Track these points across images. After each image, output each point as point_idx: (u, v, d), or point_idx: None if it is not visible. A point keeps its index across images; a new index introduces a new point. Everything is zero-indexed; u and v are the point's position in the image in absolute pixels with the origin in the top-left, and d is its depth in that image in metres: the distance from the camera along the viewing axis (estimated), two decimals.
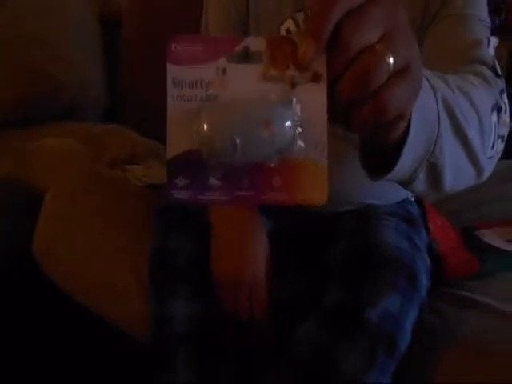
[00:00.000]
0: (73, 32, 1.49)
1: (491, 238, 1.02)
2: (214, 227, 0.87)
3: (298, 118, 0.42)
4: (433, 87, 0.54)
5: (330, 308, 0.77)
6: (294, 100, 0.42)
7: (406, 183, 0.56)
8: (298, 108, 0.42)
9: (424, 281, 0.82)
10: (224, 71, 0.42)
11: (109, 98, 1.53)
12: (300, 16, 0.91)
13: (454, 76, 0.63)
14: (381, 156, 0.51)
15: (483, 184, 0.70)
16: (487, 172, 0.67)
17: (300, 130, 0.42)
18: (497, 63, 0.78)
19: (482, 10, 0.82)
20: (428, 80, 0.53)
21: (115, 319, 0.96)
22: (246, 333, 0.85)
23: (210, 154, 0.41)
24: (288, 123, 0.41)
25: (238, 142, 0.40)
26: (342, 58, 0.40)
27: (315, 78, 0.41)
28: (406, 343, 0.78)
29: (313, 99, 0.42)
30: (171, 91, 0.42)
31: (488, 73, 0.74)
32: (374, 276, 0.77)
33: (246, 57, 0.43)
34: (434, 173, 0.56)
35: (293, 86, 0.42)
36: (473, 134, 0.60)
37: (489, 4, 0.99)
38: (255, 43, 0.42)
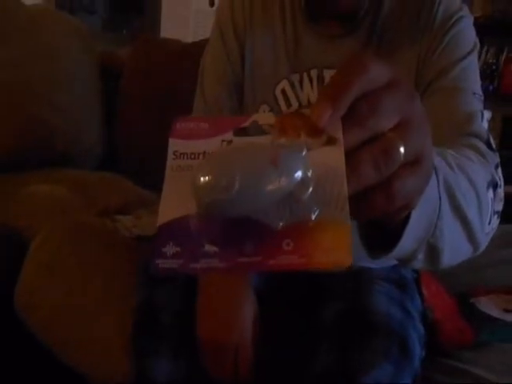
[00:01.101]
0: (71, 80, 1.50)
1: (487, 306, 1.00)
2: (201, 286, 0.84)
3: (311, 168, 0.37)
4: (435, 168, 0.53)
5: (319, 374, 0.74)
6: (306, 149, 0.37)
7: (404, 262, 0.55)
8: (309, 158, 0.37)
9: (417, 350, 0.79)
10: (230, 143, 0.39)
11: (106, 147, 1.53)
12: (295, 77, 0.92)
13: (452, 151, 0.63)
14: (381, 236, 0.49)
15: None
16: (483, 247, 0.67)
17: (310, 174, 0.37)
18: (491, 137, 0.78)
19: (474, 82, 0.83)
20: None
21: (92, 374, 0.91)
22: None
23: (205, 196, 0.35)
24: (297, 164, 0.36)
25: (237, 177, 0.34)
26: (355, 137, 0.38)
27: (330, 142, 0.38)
28: None
29: (328, 157, 0.37)
30: (171, 162, 0.38)
31: (483, 147, 0.74)
32: (366, 344, 0.74)
33: (255, 131, 0.39)
34: (433, 253, 0.56)
35: (306, 149, 0.38)
36: (472, 215, 0.60)
37: (482, 72, 1.01)
38: (264, 119, 0.39)
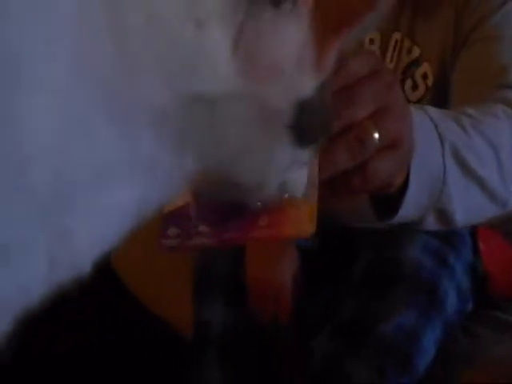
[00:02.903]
0: None
1: None
2: (249, 245, 0.93)
3: None
4: (440, 136, 0.56)
5: (343, 321, 0.78)
6: None
7: (415, 224, 0.59)
8: None
9: (451, 300, 0.80)
10: None
11: None
12: None
13: (474, 110, 0.65)
14: (387, 201, 0.54)
15: None
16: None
17: None
18: None
19: None
20: (436, 127, 0.56)
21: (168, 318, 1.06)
22: (271, 340, 0.89)
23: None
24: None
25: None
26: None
27: None
28: (426, 361, 0.77)
29: None
30: None
31: None
32: (390, 292, 0.77)
33: None
34: (444, 216, 0.59)
35: None
36: (489, 174, 0.62)
37: None
38: None
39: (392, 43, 0.94)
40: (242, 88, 0.34)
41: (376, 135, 0.44)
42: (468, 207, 0.61)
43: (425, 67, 0.91)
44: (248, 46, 0.34)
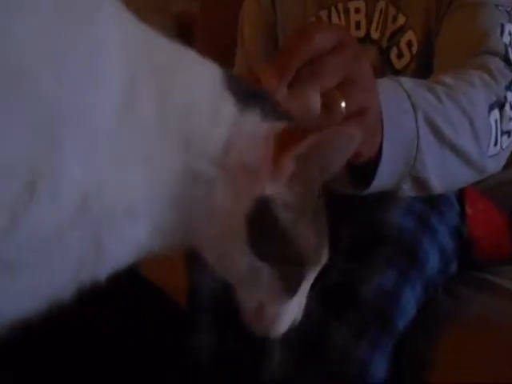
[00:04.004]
0: None
1: None
2: None
3: None
4: (413, 105, 0.59)
5: (327, 284, 0.81)
6: None
7: (392, 191, 0.63)
8: None
9: (432, 261, 0.82)
10: None
11: None
12: (324, 13, 0.96)
13: (451, 79, 0.68)
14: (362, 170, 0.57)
15: None
16: (492, 167, 0.73)
17: None
18: (510, 51, 0.78)
19: None
20: (410, 97, 0.59)
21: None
22: None
23: None
24: None
25: None
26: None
27: None
28: (406, 320, 0.79)
29: None
30: None
31: (497, 64, 0.76)
32: (371, 254, 0.80)
33: None
34: (419, 182, 0.63)
35: None
36: (463, 140, 0.66)
37: None
38: None
39: (377, 11, 0.95)
40: None
41: (343, 104, 0.47)
42: (444, 173, 0.65)
43: (409, 35, 0.92)
44: None
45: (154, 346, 1.07)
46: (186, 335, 0.93)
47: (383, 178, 0.58)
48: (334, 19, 0.97)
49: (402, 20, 0.92)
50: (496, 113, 0.72)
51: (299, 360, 0.76)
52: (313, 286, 0.86)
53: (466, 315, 0.80)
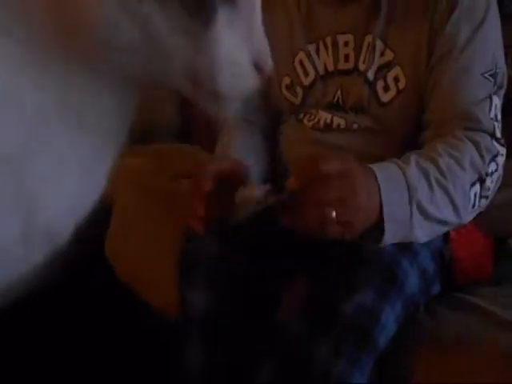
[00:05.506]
0: None
1: None
2: None
3: None
4: (410, 199, 0.79)
5: (309, 302, 0.85)
6: None
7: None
8: None
9: (412, 280, 0.86)
10: None
11: (179, 122, 1.71)
12: (312, 47, 1.00)
13: (445, 159, 0.83)
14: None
15: None
16: (471, 217, 0.89)
17: None
18: (497, 126, 0.89)
19: (487, 53, 0.89)
20: (409, 190, 0.79)
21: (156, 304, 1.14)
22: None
23: None
24: None
25: None
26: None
27: None
28: (386, 336, 0.83)
29: None
30: None
31: (486, 142, 0.87)
32: (351, 274, 0.84)
33: None
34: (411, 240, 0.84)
35: None
36: (446, 214, 0.83)
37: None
38: None
39: (365, 45, 0.98)
40: None
41: (333, 214, 0.71)
42: (427, 234, 0.84)
43: (396, 70, 0.95)
44: None
45: (145, 360, 1.11)
46: (177, 349, 0.96)
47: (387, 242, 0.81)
48: (322, 53, 1.00)
49: (389, 55, 0.95)
50: (477, 187, 0.85)
51: (281, 375, 0.80)
52: (296, 301, 0.90)
53: (443, 333, 0.84)
